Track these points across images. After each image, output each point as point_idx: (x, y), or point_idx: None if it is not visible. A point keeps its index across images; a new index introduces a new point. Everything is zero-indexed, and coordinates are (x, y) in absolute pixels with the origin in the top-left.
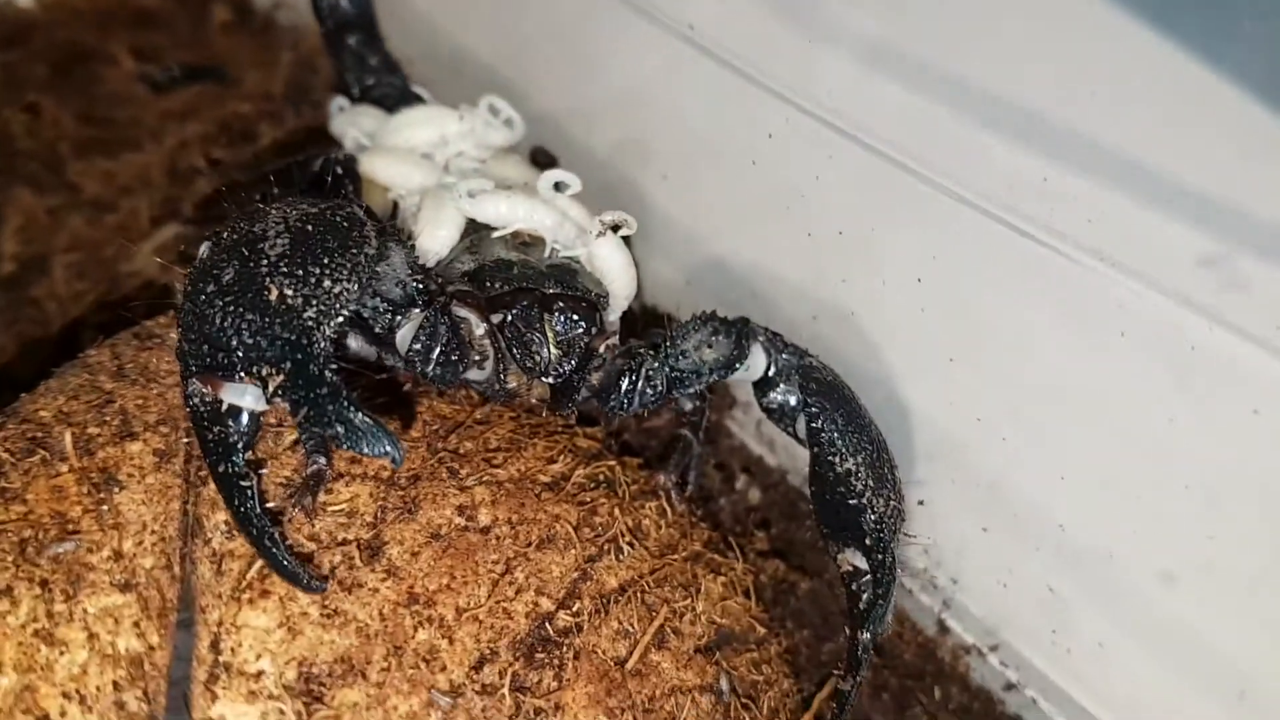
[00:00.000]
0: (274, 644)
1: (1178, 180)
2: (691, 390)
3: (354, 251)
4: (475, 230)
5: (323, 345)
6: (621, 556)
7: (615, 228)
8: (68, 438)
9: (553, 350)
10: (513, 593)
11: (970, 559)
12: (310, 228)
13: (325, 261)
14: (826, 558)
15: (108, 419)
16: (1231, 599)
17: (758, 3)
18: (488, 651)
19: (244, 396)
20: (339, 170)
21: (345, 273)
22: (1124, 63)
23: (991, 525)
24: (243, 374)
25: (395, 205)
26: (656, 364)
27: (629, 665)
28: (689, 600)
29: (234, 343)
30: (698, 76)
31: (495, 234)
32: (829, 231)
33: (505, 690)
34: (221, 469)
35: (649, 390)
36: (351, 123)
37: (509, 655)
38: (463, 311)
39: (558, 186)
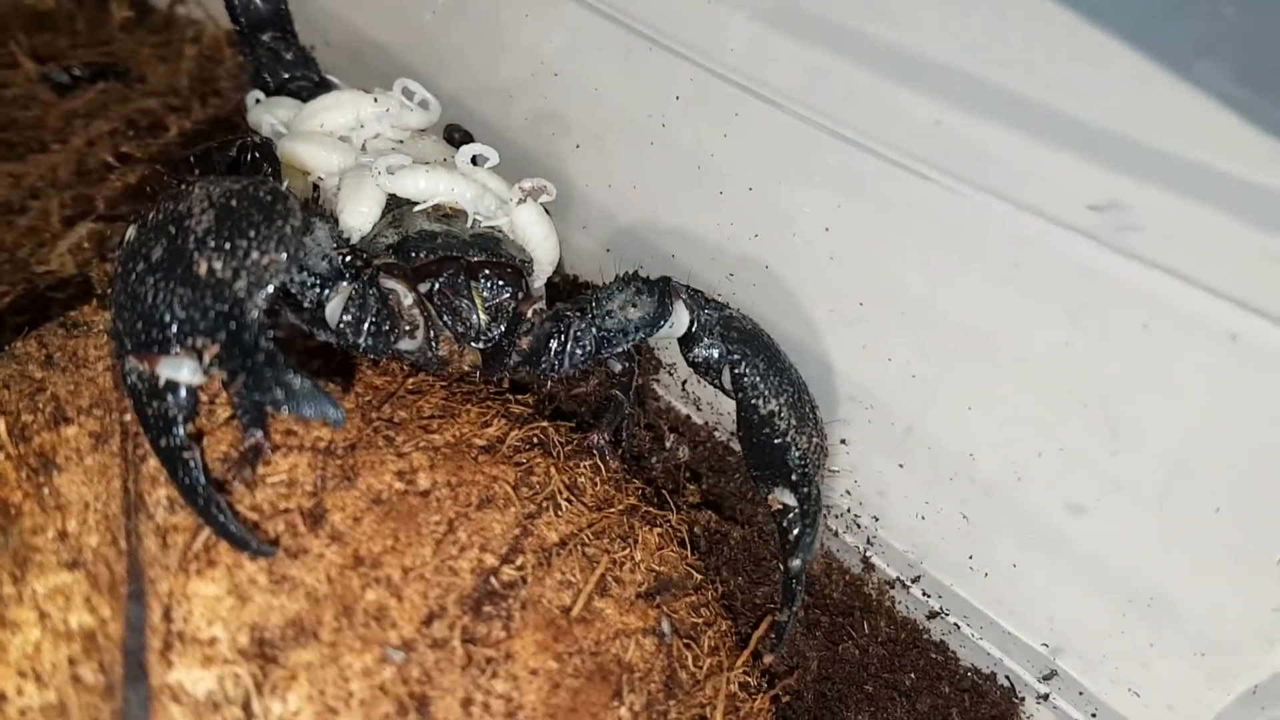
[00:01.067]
0: (225, 611)
1: (1068, 117)
2: (619, 350)
3: (279, 224)
4: (397, 206)
5: (255, 315)
6: (560, 512)
7: (534, 194)
8: (1, 426)
9: (482, 316)
10: (456, 551)
11: (890, 496)
12: (234, 203)
13: (251, 234)
14: (756, 501)
15: (40, 406)
16: (1136, 511)
17: None
18: (436, 608)
19: (180, 370)
20: (256, 155)
21: (272, 244)
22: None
23: (908, 461)
24: (178, 348)
25: (315, 188)
26: (584, 325)
27: (574, 612)
28: (627, 550)
29: (167, 318)
30: (604, 44)
31: (417, 208)
32: (739, 189)
33: (456, 642)
34: (163, 443)
35: (578, 351)
36: (268, 112)
37: (457, 610)
38: (390, 283)
39: (474, 160)
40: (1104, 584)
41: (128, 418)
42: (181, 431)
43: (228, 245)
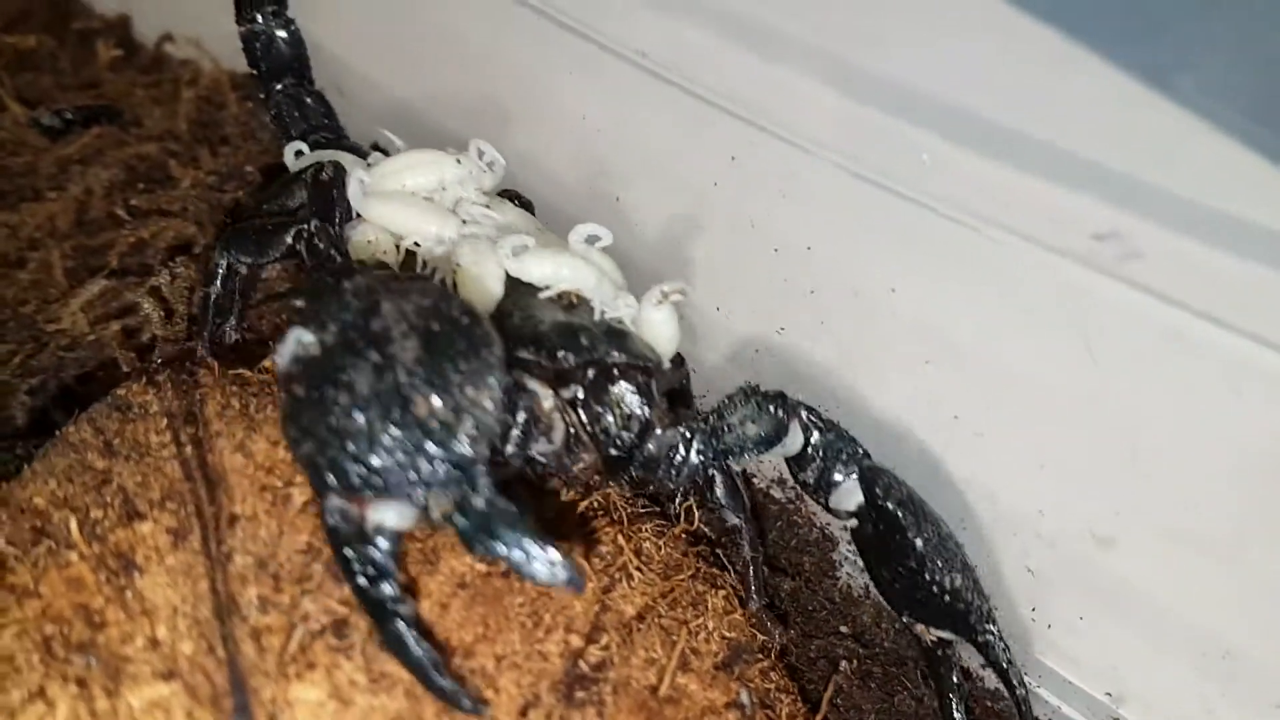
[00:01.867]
0: (328, 715)
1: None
2: (734, 465)
3: (484, 351)
4: (514, 287)
5: (484, 464)
6: (633, 583)
7: (672, 295)
8: (73, 523)
9: (619, 422)
10: (543, 634)
11: None
12: (436, 326)
13: (462, 366)
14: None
15: (109, 500)
16: (1205, 560)
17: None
18: (531, 696)
19: (392, 514)
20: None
21: (485, 378)
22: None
23: (967, 516)
24: (399, 496)
25: (407, 252)
26: (705, 438)
27: (661, 692)
28: (700, 619)
29: (387, 463)
30: (648, 101)
31: (542, 294)
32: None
33: None
34: (372, 592)
35: (697, 463)
36: (351, 167)
37: (551, 698)
38: (532, 384)
39: (588, 240)
40: (1172, 636)
41: (208, 509)
42: (394, 583)
43: (440, 379)
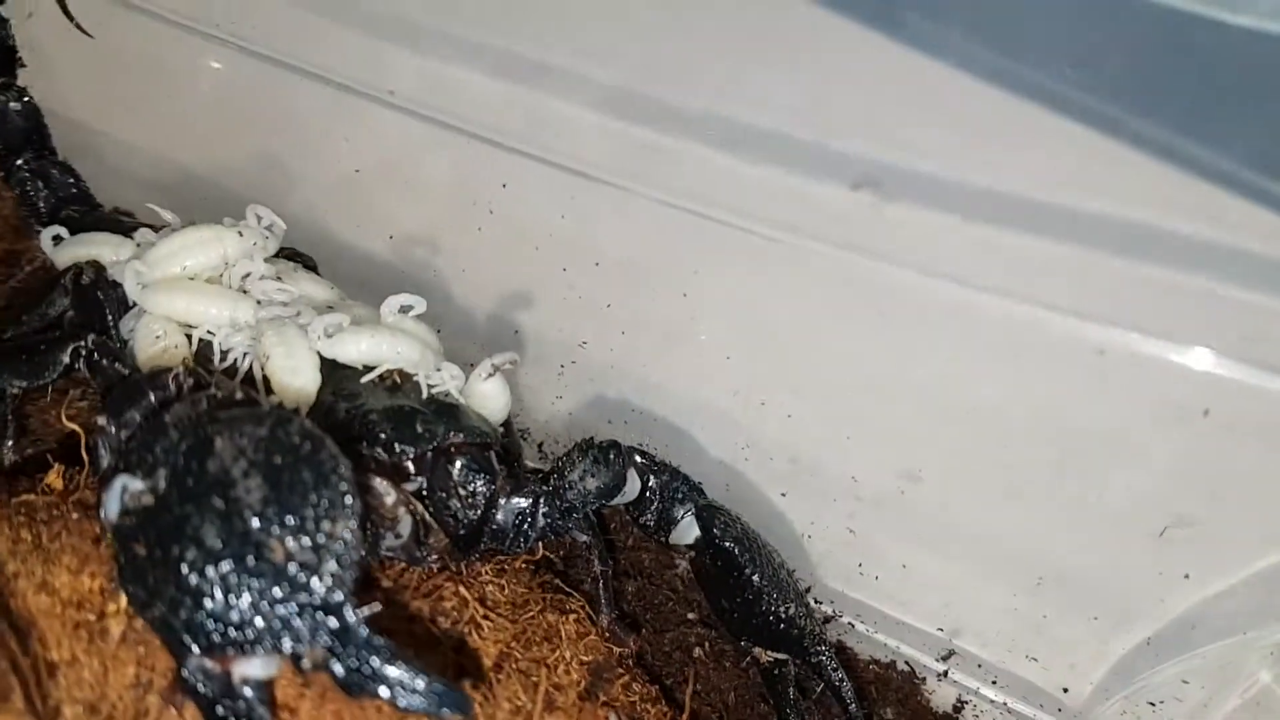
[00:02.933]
0: None
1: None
2: (578, 518)
3: (334, 479)
4: (331, 369)
5: (351, 601)
6: (483, 633)
7: (502, 367)
8: None
9: (464, 501)
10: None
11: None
12: (279, 459)
13: (313, 499)
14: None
15: None
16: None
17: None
18: None
19: (260, 666)
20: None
21: (340, 508)
22: None
23: (790, 489)
24: (265, 650)
25: (198, 344)
26: (548, 500)
27: None
28: (556, 651)
29: (247, 617)
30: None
31: (364, 378)
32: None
33: None
34: None
35: (543, 526)
36: (110, 253)
37: None
38: (374, 482)
39: (402, 310)
40: (993, 568)
41: (24, 661)
42: None
43: (294, 518)
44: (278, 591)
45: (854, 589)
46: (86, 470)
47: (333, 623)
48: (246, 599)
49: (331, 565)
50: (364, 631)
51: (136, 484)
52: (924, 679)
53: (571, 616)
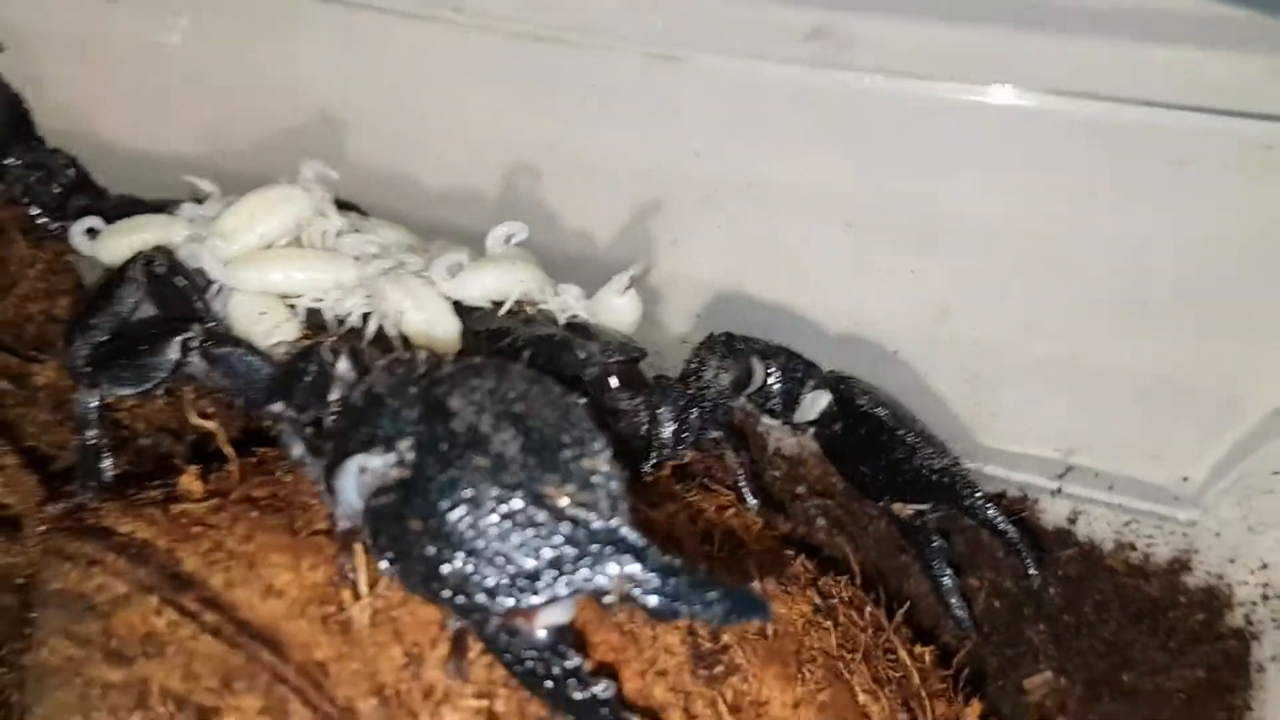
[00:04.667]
0: None
1: None
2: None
3: (574, 413)
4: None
5: (634, 528)
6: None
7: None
8: None
9: (632, 419)
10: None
11: None
12: (519, 407)
13: (566, 439)
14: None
15: (160, 709)
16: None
17: None
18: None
19: (560, 612)
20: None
21: (591, 442)
22: None
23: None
24: (566, 594)
25: (305, 313)
26: (695, 404)
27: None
28: (744, 549)
29: (541, 565)
30: None
31: (501, 311)
32: None
33: None
34: (573, 694)
35: (698, 429)
36: (188, 240)
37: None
38: None
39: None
40: (1110, 387)
41: (288, 669)
42: (587, 675)
43: (557, 461)
44: (566, 534)
45: (971, 430)
46: (235, 465)
47: (626, 555)
48: (538, 548)
49: (605, 498)
50: (658, 555)
51: (376, 460)
52: (1036, 499)
53: (729, 510)
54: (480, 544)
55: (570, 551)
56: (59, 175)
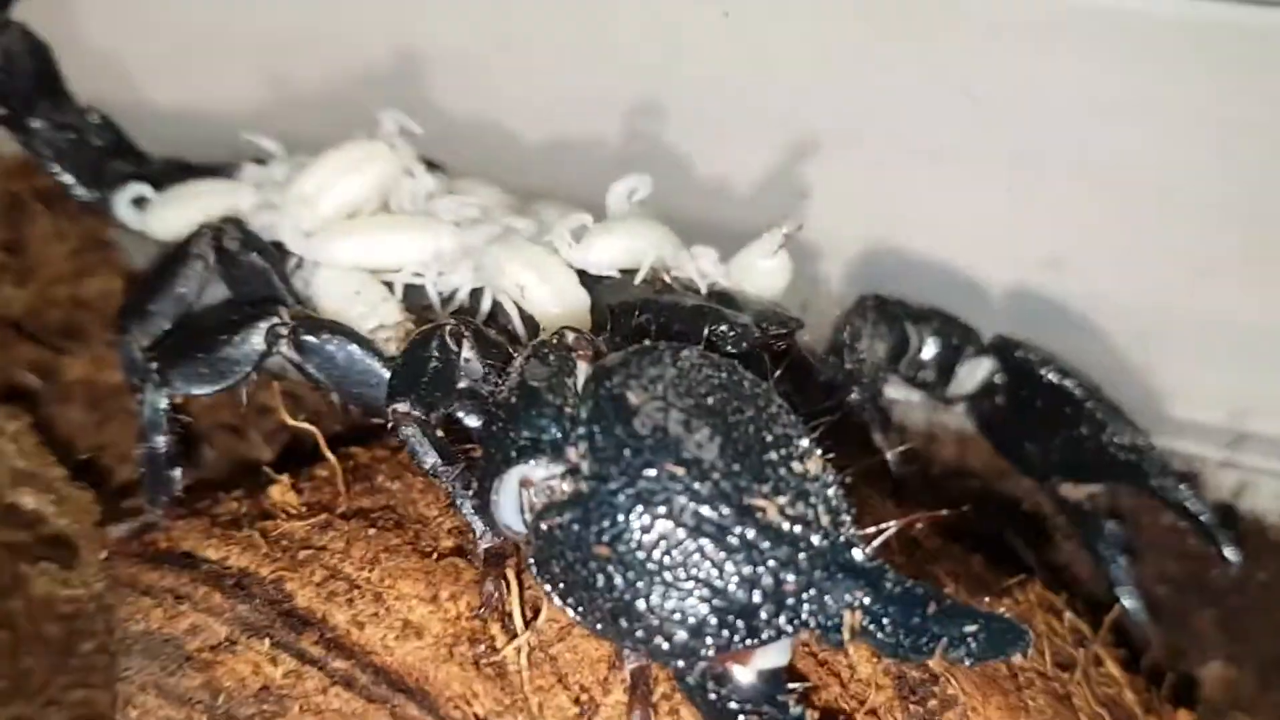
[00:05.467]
0: None
1: None
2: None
3: (775, 408)
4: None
5: (861, 546)
6: None
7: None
8: None
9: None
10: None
11: None
12: (711, 400)
13: (770, 439)
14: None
15: None
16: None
17: None
18: None
19: (775, 654)
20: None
21: (796, 440)
22: None
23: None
24: (787, 631)
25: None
26: (851, 381)
27: None
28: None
29: (755, 598)
30: None
31: (637, 278)
32: None
33: None
34: None
35: (861, 399)
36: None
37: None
38: None
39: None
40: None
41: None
42: None
43: (764, 468)
44: (783, 557)
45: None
46: (338, 473)
47: (857, 580)
48: (753, 576)
49: (824, 509)
50: (896, 581)
51: (541, 471)
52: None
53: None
54: (682, 572)
55: (791, 579)
56: (94, 137)
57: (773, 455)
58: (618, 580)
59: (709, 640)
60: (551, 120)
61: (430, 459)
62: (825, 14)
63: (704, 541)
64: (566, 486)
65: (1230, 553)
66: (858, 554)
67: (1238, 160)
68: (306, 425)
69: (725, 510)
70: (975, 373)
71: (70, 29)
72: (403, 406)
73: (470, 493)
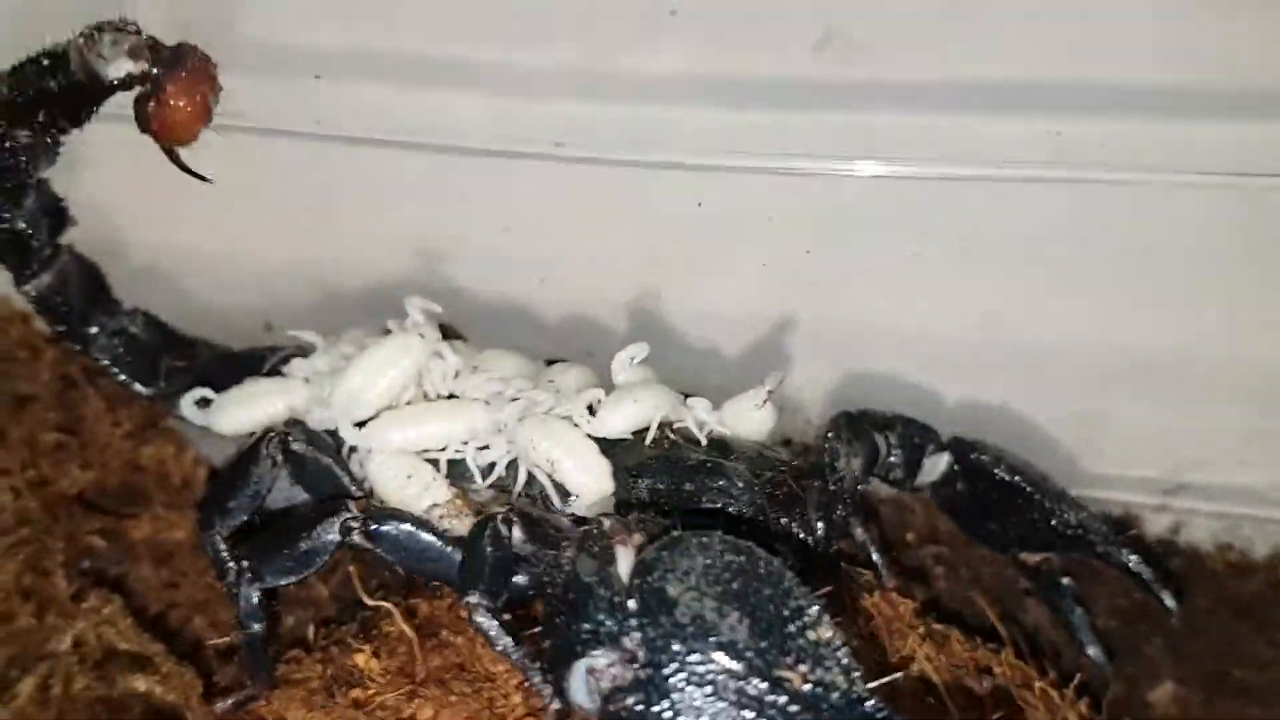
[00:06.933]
0: None
1: None
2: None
3: (786, 580)
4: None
5: (871, 701)
6: None
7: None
8: None
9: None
10: None
11: None
12: (736, 584)
13: (787, 612)
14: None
15: None
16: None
17: None
18: None
19: None
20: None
21: (807, 608)
22: None
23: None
24: None
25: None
26: (837, 500)
27: None
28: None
29: None
30: None
31: (647, 441)
32: None
33: None
34: None
35: (844, 520)
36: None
37: None
38: None
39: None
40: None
41: None
42: None
43: (785, 638)
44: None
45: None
46: (415, 642)
47: None
48: None
49: (839, 670)
50: None
51: (603, 660)
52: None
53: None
54: None
55: None
56: (143, 335)
57: (791, 628)
58: None
59: None
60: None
61: (502, 641)
62: None
63: (746, 713)
64: (628, 674)
65: (1169, 601)
66: (869, 705)
67: None
68: (384, 603)
69: (759, 683)
70: (937, 466)
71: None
72: (474, 598)
73: (538, 665)
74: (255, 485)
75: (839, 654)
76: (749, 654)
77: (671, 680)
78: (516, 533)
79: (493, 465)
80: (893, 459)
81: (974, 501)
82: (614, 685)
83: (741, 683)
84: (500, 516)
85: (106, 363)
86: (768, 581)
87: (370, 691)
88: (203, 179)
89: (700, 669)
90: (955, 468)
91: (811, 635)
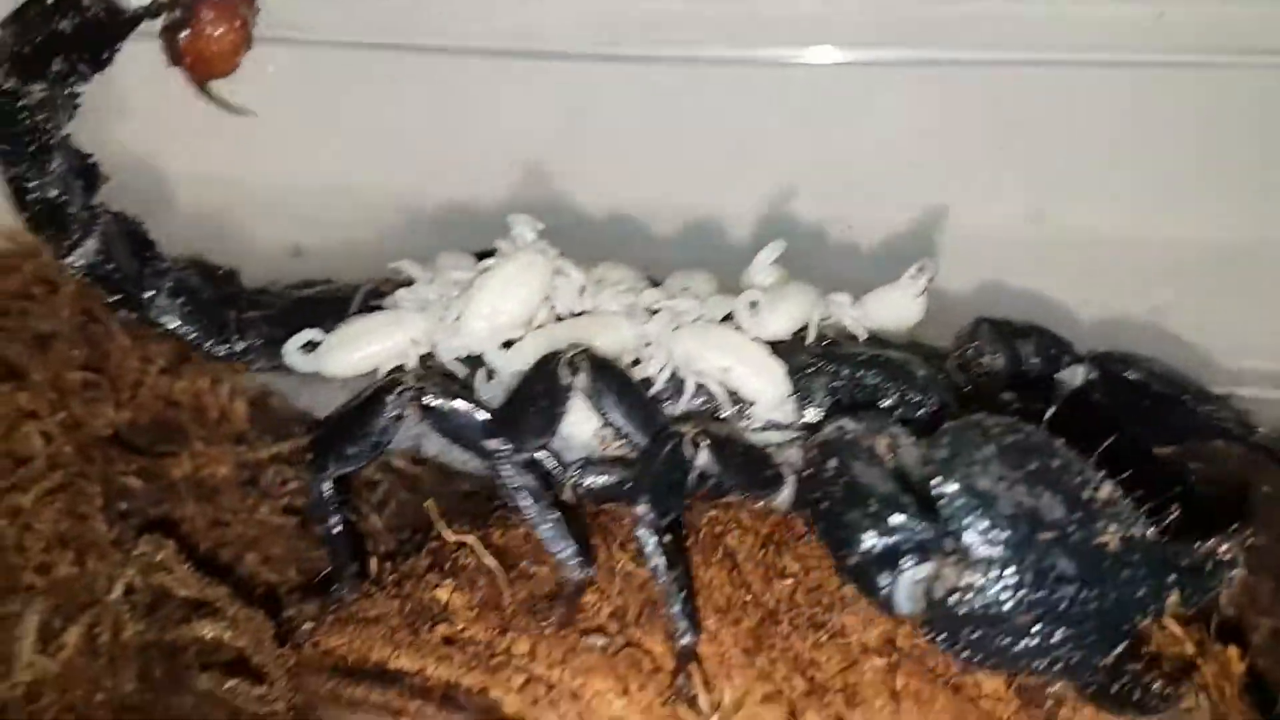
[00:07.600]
0: None
1: None
2: None
3: (1064, 449)
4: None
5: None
6: None
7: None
8: None
9: None
10: None
11: None
12: (1035, 463)
13: (1080, 481)
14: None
15: None
16: None
17: None
18: None
19: None
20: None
21: (1091, 475)
22: None
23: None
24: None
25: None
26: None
27: None
28: None
29: (1128, 609)
30: None
31: (809, 339)
32: None
33: None
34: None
35: None
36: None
37: None
38: None
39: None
40: None
41: None
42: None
43: (1088, 506)
44: (1128, 576)
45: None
46: (500, 575)
47: (1169, 568)
48: (1119, 595)
49: (1135, 523)
50: (1188, 556)
51: (924, 571)
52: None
53: None
54: (1077, 610)
55: (1143, 589)
56: (200, 290)
57: (1086, 494)
58: (1035, 633)
59: (1102, 652)
60: None
61: (656, 560)
62: None
63: (1083, 585)
64: (959, 576)
65: None
66: (1166, 547)
67: None
68: (467, 536)
69: (1086, 556)
70: (1074, 378)
71: None
72: (643, 509)
73: (683, 594)
74: (378, 436)
75: (1126, 505)
76: (1069, 529)
77: (1011, 572)
78: (704, 455)
79: (648, 383)
80: (1031, 365)
81: (1113, 410)
82: (947, 589)
83: (1073, 559)
84: (689, 436)
85: (175, 325)
86: (1051, 453)
87: (459, 627)
88: (242, 112)
89: (1031, 555)
90: (1093, 377)
91: (1102, 495)
